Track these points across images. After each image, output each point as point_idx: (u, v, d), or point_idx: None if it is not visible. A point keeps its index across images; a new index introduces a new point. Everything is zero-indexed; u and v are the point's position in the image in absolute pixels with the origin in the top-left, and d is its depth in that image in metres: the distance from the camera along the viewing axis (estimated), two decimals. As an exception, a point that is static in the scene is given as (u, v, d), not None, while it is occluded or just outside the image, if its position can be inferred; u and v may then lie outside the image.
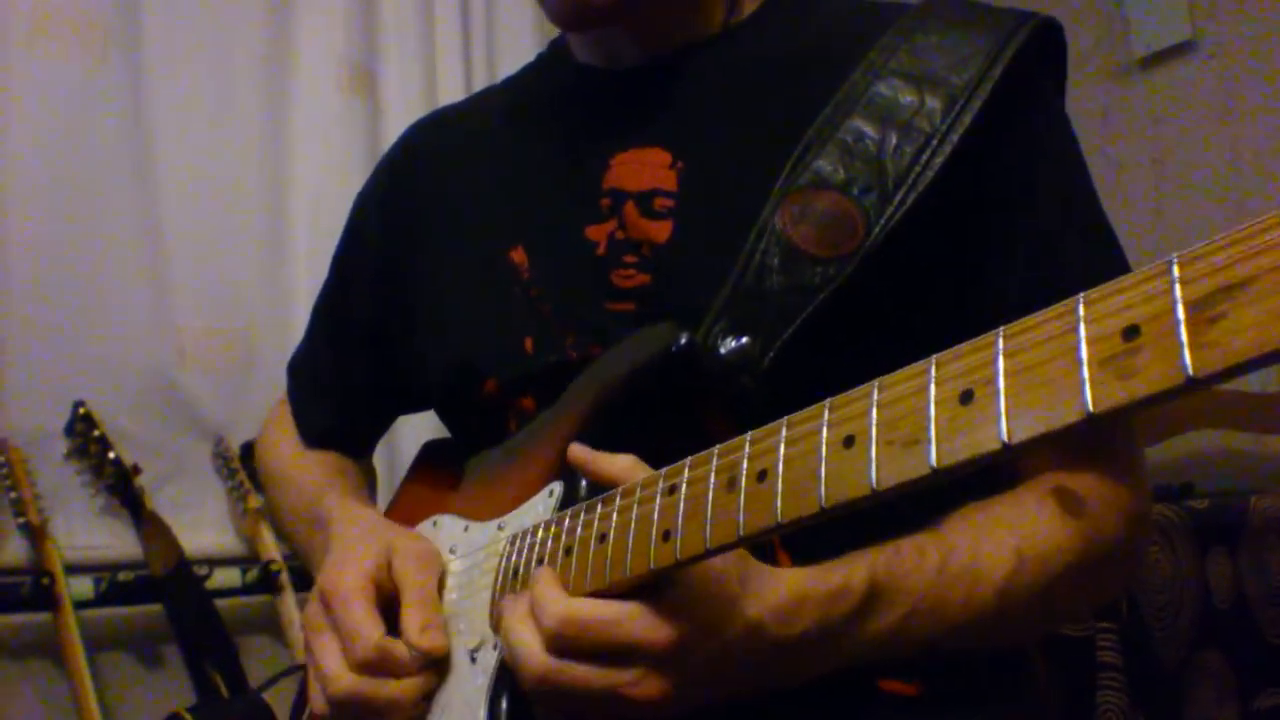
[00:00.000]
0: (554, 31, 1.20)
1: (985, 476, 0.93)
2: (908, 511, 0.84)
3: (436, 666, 0.94)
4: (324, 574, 1.00)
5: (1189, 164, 2.77)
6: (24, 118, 2.33)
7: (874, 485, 0.62)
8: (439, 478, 1.18)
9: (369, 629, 0.94)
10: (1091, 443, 0.96)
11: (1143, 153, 2.85)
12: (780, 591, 0.79)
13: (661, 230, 1.03)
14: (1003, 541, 0.89)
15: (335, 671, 0.94)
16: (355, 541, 1.03)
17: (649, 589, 0.77)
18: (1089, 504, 0.93)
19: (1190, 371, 0.49)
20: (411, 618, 0.95)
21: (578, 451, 0.88)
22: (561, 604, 0.79)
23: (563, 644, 0.78)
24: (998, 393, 0.57)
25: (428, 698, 0.94)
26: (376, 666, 0.93)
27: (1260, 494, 2.09)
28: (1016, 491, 0.94)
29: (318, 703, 0.96)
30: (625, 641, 0.77)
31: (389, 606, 0.97)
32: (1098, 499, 0.94)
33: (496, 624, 0.92)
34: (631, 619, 0.76)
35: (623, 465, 0.84)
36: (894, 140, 0.93)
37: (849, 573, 0.82)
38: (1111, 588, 1.09)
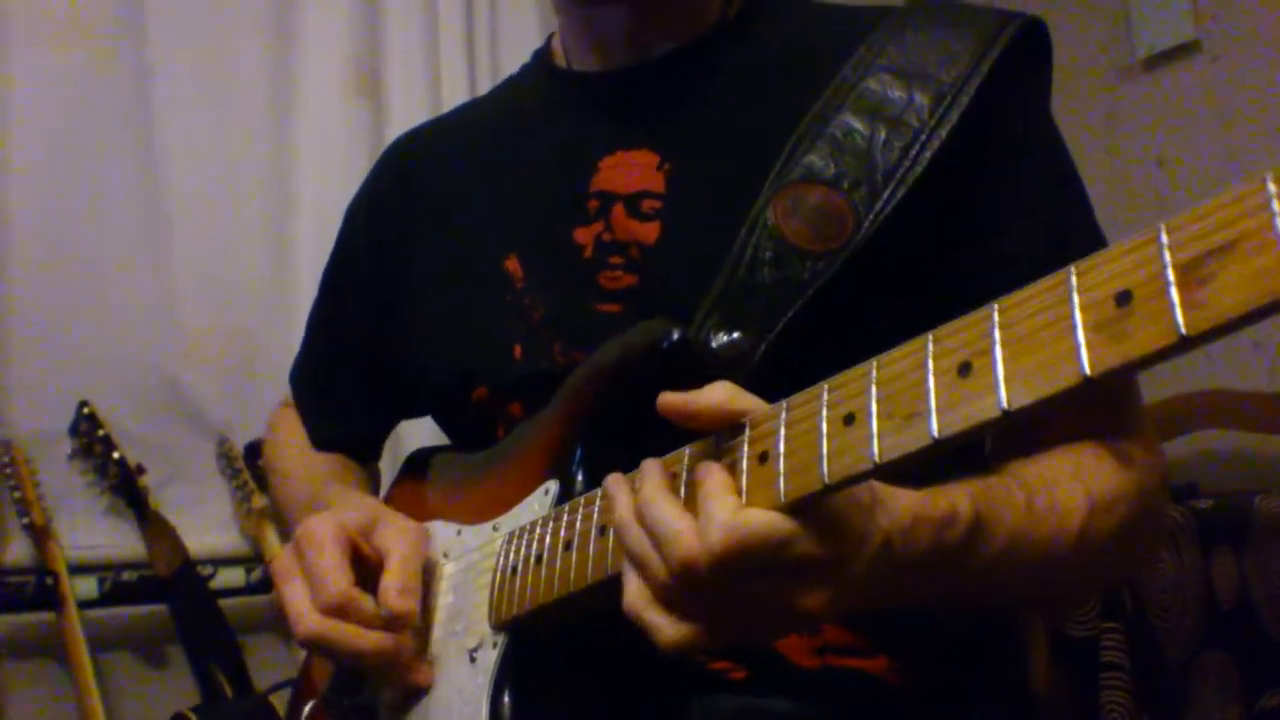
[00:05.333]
0: (559, 31, 1.21)
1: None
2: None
3: (405, 630, 0.95)
4: (303, 524, 1.01)
5: (1192, 165, 2.77)
6: (28, 117, 2.33)
7: (876, 459, 0.63)
8: (424, 487, 1.18)
9: (337, 575, 0.95)
10: (1116, 419, 0.97)
11: (1146, 153, 2.85)
12: (902, 509, 0.75)
13: (650, 232, 1.04)
14: (1073, 485, 0.88)
15: (302, 612, 0.95)
16: (343, 506, 1.04)
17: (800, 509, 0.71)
18: (1136, 460, 0.94)
19: (1183, 331, 0.51)
20: (390, 579, 0.96)
21: (669, 400, 0.80)
22: (732, 517, 0.70)
23: (732, 559, 0.70)
24: (995, 362, 0.59)
25: (399, 666, 0.95)
26: (340, 613, 0.94)
27: (1265, 494, 2.09)
28: (1068, 445, 0.93)
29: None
30: (800, 556, 0.70)
31: (368, 574, 0.98)
32: (1138, 454, 0.95)
33: (497, 622, 0.93)
34: (807, 534, 0.70)
35: (719, 397, 0.77)
36: (883, 135, 0.94)
37: (955, 500, 0.79)
38: (1151, 547, 1.09)
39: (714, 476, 0.73)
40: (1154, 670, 1.81)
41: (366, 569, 0.98)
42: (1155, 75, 2.87)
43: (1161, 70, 2.86)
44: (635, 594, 0.75)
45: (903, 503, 0.75)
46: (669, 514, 0.73)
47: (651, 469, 0.78)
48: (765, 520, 0.70)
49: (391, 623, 0.94)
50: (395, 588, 0.95)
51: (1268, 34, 2.66)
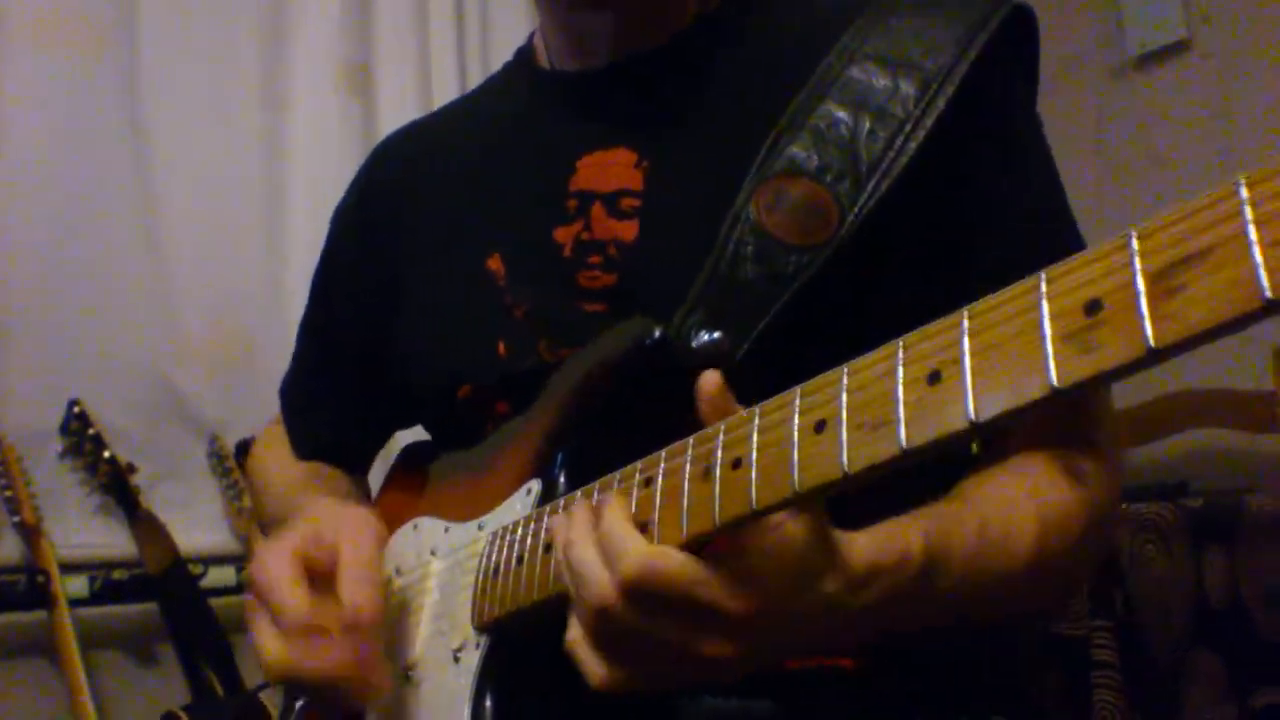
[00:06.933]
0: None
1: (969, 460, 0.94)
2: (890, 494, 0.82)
3: (371, 628, 0.91)
4: (254, 558, 0.98)
5: (1184, 163, 2.77)
6: (22, 118, 2.34)
7: (845, 469, 0.62)
8: (416, 482, 1.17)
9: (293, 598, 0.91)
10: (1082, 415, 0.96)
11: (1138, 152, 2.85)
12: (855, 562, 0.74)
13: (629, 230, 1.03)
14: (1026, 508, 0.87)
15: (271, 651, 0.92)
16: (295, 523, 1.01)
17: (721, 552, 0.73)
18: (1088, 474, 0.93)
19: (1152, 343, 0.50)
20: (345, 573, 0.93)
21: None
22: (642, 550, 0.72)
23: (638, 593, 0.72)
24: (964, 372, 0.58)
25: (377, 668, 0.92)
26: (308, 632, 0.90)
27: (1255, 492, 2.09)
28: (1022, 458, 0.93)
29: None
30: (706, 603, 0.71)
31: (327, 579, 0.94)
32: (1091, 469, 0.94)
33: (479, 623, 0.92)
34: (716, 582, 0.71)
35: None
36: (867, 125, 0.92)
37: (908, 540, 0.78)
38: (1100, 557, 1.09)
39: (617, 508, 0.75)
40: (1145, 669, 1.82)
41: (325, 575, 0.95)
42: (1146, 74, 2.87)
43: (1153, 69, 2.86)
44: (573, 630, 0.77)
45: (857, 553, 0.75)
46: (587, 555, 0.75)
47: (578, 509, 0.79)
48: (676, 560, 0.71)
49: (358, 616, 0.91)
50: (351, 578, 0.92)
51: (1259, 32, 2.66)
